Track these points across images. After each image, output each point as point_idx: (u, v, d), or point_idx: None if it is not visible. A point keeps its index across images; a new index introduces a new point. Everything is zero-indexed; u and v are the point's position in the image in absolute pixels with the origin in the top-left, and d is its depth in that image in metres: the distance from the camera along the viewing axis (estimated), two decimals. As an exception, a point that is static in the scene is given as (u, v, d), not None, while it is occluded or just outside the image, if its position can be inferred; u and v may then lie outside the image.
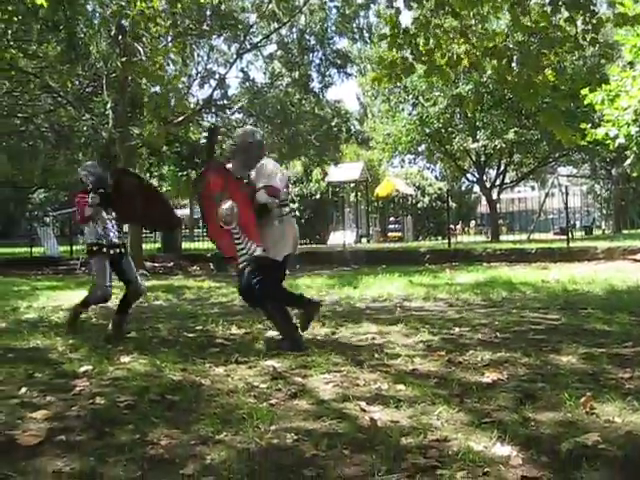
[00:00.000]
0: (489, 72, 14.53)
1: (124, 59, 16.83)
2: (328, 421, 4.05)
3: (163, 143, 17.35)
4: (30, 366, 5.78)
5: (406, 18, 39.88)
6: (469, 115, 29.67)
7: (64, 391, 4.93)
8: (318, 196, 34.43)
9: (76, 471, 3.35)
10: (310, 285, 12.46)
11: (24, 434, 3.88)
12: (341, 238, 24.64)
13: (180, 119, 20.50)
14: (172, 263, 20.42)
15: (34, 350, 6.70)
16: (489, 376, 4.99)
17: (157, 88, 18.69)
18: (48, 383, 5.23)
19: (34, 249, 24.80)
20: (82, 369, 5.64)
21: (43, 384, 5.18)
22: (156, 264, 20.29)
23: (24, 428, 4.01)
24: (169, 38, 17.67)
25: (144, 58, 16.08)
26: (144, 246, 21.31)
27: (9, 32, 15.77)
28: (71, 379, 5.32)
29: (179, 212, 27.66)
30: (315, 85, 24.01)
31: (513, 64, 8.76)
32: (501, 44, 8.88)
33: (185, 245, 25.30)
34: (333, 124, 23.97)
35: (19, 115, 22.22)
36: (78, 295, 11.81)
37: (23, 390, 4.93)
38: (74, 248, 24.10)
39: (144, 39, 16.25)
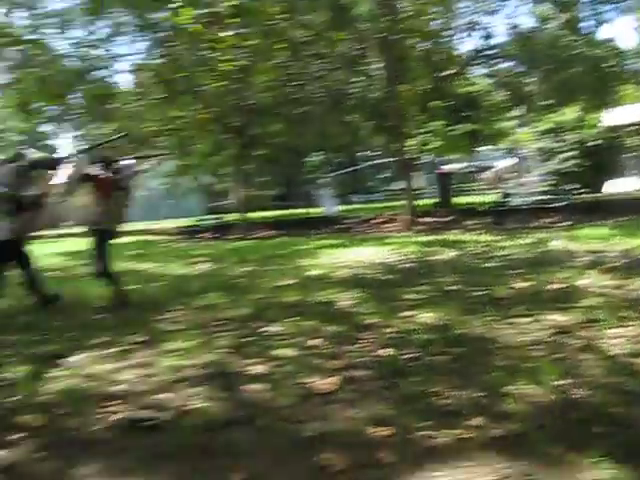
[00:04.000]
0: None
1: (389, 19, 16.96)
2: (618, 377, 3.85)
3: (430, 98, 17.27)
4: (319, 319, 6.09)
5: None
6: None
7: (352, 343, 5.15)
8: (594, 142, 32.59)
9: (367, 418, 3.49)
10: (592, 235, 11.82)
11: (319, 382, 4.11)
12: (620, 186, 23.14)
13: (448, 73, 20.33)
14: (447, 218, 20.38)
15: (322, 304, 7.02)
16: None
17: (424, 44, 18.70)
18: (337, 335, 5.46)
19: (312, 210, 25.90)
20: (368, 322, 5.84)
21: (332, 336, 5.43)
22: (432, 219, 20.37)
23: (318, 377, 4.25)
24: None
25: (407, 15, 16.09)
26: (419, 202, 21.42)
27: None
28: (358, 332, 5.52)
29: (449, 167, 27.43)
30: (587, 25, 22.55)
31: None
32: None
33: (460, 200, 25.09)
34: (607, 65, 22.38)
35: (292, 83, 23.25)
36: (356, 252, 12.25)
37: (315, 341, 5.22)
38: (350, 207, 24.89)
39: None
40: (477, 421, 3.32)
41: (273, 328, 5.87)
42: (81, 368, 4.88)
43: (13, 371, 4.87)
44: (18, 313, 7.40)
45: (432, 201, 24.66)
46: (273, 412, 3.65)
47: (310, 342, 5.22)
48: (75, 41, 21.46)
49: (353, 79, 19.61)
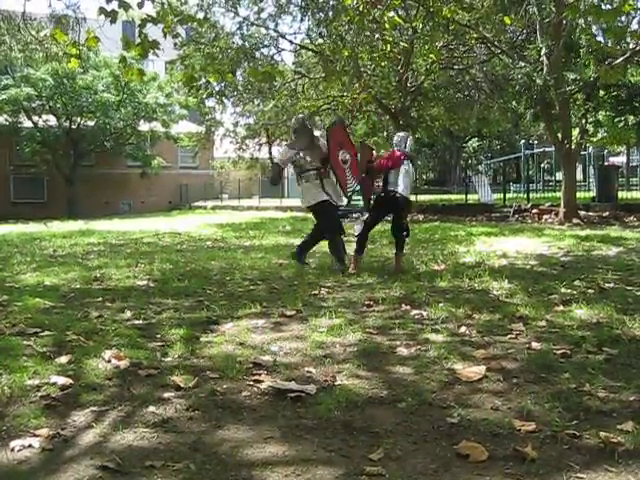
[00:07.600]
0: None
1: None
2: None
3: (621, 76, 16.40)
4: (469, 306, 6.04)
5: None
6: None
7: (502, 333, 5.09)
8: None
9: (513, 410, 3.45)
10: None
11: (466, 370, 4.11)
12: None
13: (618, 60, 19.39)
14: (607, 213, 19.55)
15: (474, 292, 6.98)
16: None
17: (594, 28, 17.91)
18: (488, 324, 5.42)
19: (468, 196, 25.52)
20: (520, 313, 5.75)
21: (483, 325, 5.39)
22: (590, 213, 19.62)
23: (466, 364, 4.24)
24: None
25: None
26: (578, 194, 20.67)
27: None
28: (509, 322, 5.46)
29: (615, 159, 26.28)
30: None
31: None
32: None
33: (621, 195, 24.00)
34: None
35: (455, 67, 23.00)
36: (511, 242, 12.02)
37: (463, 329, 5.20)
38: (507, 196, 24.38)
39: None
40: (628, 426, 3.19)
41: (423, 312, 5.89)
42: (233, 336, 5.09)
43: (170, 333, 5.15)
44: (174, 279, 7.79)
45: (590, 195, 23.68)
46: (417, 395, 3.67)
47: (460, 329, 5.20)
48: (242, 19, 22.18)
49: (517, 64, 19.08)
